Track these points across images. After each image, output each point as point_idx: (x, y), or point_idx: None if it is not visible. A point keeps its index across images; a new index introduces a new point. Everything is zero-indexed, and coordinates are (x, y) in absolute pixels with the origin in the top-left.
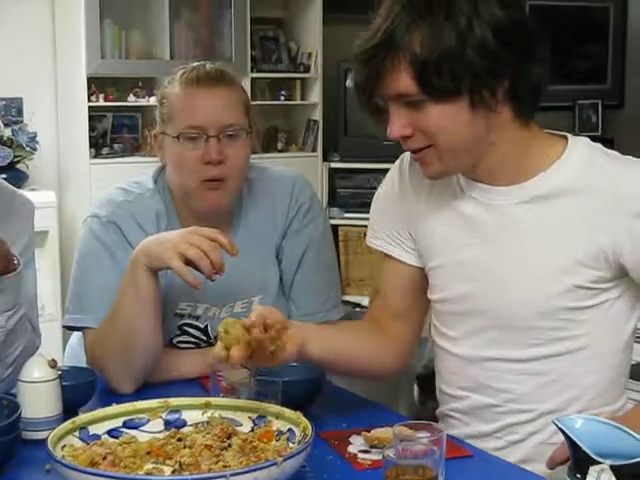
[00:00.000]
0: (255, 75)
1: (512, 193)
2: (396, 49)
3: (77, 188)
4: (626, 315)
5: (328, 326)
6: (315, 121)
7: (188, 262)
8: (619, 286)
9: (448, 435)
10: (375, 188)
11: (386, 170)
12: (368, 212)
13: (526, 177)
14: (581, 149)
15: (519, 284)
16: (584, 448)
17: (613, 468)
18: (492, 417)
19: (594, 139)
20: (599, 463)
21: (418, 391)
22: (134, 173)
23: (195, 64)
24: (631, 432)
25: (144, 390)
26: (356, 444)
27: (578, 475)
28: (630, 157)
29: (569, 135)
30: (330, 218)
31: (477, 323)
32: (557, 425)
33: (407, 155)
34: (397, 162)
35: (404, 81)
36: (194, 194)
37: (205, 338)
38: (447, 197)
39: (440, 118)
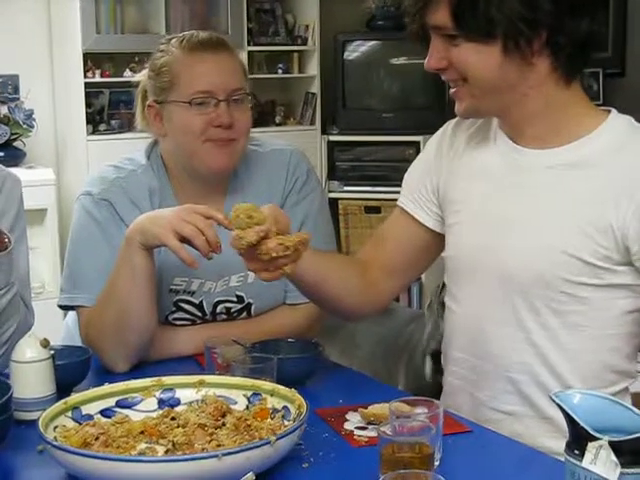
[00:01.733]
0: (252, 48)
1: (537, 157)
2: None
3: (75, 165)
4: (631, 304)
5: (322, 253)
6: (313, 94)
7: (183, 240)
8: (626, 274)
9: (447, 410)
10: (375, 160)
11: (385, 142)
12: (367, 185)
13: (554, 142)
14: (620, 126)
15: (525, 247)
16: (582, 424)
17: (612, 444)
18: (487, 384)
19: None
20: (598, 439)
21: (432, 367)
22: (132, 148)
23: (187, 32)
24: (631, 407)
25: (139, 368)
26: (352, 421)
27: (576, 451)
28: None
29: (614, 111)
30: (330, 192)
31: (482, 282)
32: (554, 400)
33: (452, 122)
34: (440, 130)
35: (442, 14)
36: (201, 156)
37: (200, 314)
38: (479, 152)
39: (471, 57)
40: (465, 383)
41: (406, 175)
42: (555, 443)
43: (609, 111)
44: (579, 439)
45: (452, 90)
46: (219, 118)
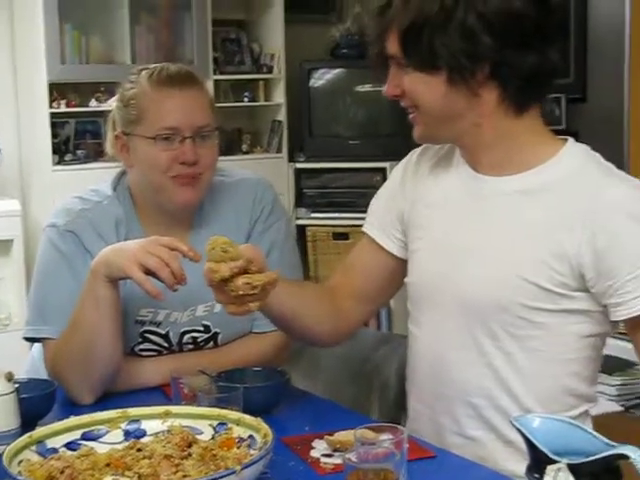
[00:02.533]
0: (218, 77)
1: (494, 184)
2: (394, 13)
3: (41, 195)
4: (588, 329)
5: (292, 284)
6: (280, 122)
7: (148, 272)
8: (582, 299)
9: (412, 436)
10: (342, 187)
11: (352, 169)
12: (335, 212)
13: (510, 170)
14: (575, 154)
15: (483, 273)
16: (541, 447)
17: (570, 467)
18: (449, 409)
19: (559, 132)
20: (556, 462)
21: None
22: (99, 179)
23: (158, 65)
24: (589, 430)
25: (105, 400)
26: (319, 448)
27: (536, 475)
28: (622, 173)
29: (571, 140)
30: (297, 219)
31: (442, 309)
32: (514, 424)
33: (417, 150)
34: (406, 158)
35: (393, 44)
36: (167, 191)
37: (167, 344)
38: (441, 179)
39: (419, 86)
40: (428, 408)
41: (371, 202)
42: (518, 466)
43: (566, 139)
44: (539, 463)
45: (410, 116)
46: (184, 155)
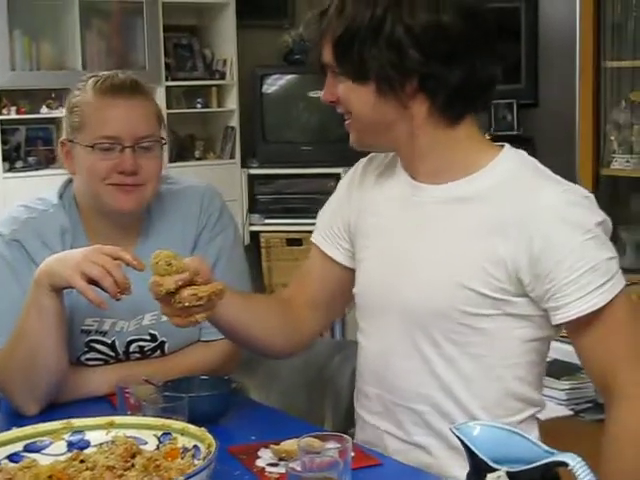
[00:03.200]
0: (170, 83)
1: (431, 192)
2: (328, 21)
3: None
4: (530, 334)
5: (241, 295)
6: (232, 128)
7: (92, 281)
8: (522, 304)
9: (357, 444)
10: (295, 193)
11: (305, 175)
12: (289, 217)
13: (446, 178)
14: (510, 161)
15: (421, 281)
16: (480, 455)
17: (510, 474)
18: (395, 416)
19: (512, 138)
20: (496, 470)
21: None
22: (50, 186)
23: (107, 73)
24: (529, 437)
25: (50, 410)
26: (264, 457)
27: None
28: (557, 177)
29: (507, 146)
30: (251, 225)
31: (386, 317)
32: (454, 432)
33: (363, 160)
34: (352, 168)
35: (327, 52)
36: (105, 197)
37: (113, 354)
38: (385, 188)
39: (350, 94)
40: (374, 416)
41: (319, 213)
42: (463, 472)
43: (503, 146)
44: (479, 470)
45: (345, 122)
46: (122, 164)
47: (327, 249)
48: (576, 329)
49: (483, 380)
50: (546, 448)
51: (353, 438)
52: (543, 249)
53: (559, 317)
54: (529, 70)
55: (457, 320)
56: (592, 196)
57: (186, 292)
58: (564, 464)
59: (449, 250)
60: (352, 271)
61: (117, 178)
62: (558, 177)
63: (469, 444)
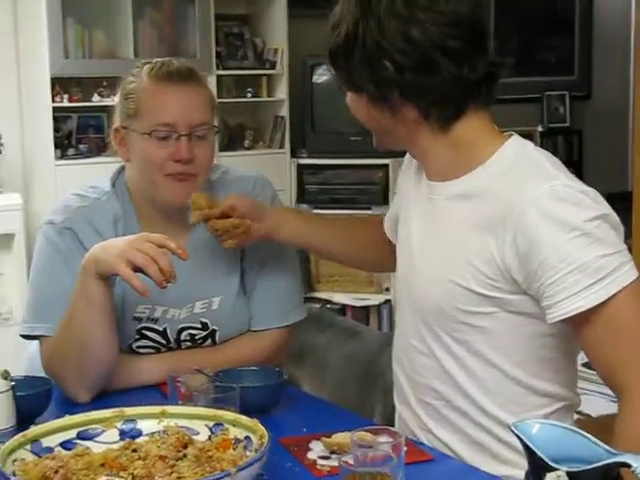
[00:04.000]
0: (221, 72)
1: (439, 190)
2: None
3: (43, 190)
4: (535, 330)
5: (309, 216)
6: (282, 118)
7: (137, 269)
8: (523, 302)
9: (410, 439)
10: (343, 184)
11: (354, 165)
12: (337, 208)
13: (452, 175)
14: (509, 154)
15: (426, 278)
16: (539, 454)
17: (570, 474)
18: (413, 409)
19: (563, 130)
20: (556, 469)
21: None
22: (101, 173)
23: (161, 59)
24: (589, 437)
25: (102, 398)
26: (316, 450)
27: None
28: (554, 171)
29: (513, 137)
30: None
31: (402, 312)
32: (513, 430)
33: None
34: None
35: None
36: (161, 188)
37: (164, 342)
38: (416, 183)
39: (352, 103)
40: (401, 405)
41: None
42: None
43: (510, 135)
44: (537, 469)
45: None
46: (179, 153)
47: (388, 234)
48: (575, 328)
49: (493, 378)
50: (607, 448)
51: None
52: (528, 248)
53: (551, 316)
54: (582, 62)
55: (457, 319)
56: (592, 190)
57: (209, 224)
58: (626, 465)
59: (447, 248)
60: None
61: (173, 167)
62: (558, 171)
63: (528, 442)
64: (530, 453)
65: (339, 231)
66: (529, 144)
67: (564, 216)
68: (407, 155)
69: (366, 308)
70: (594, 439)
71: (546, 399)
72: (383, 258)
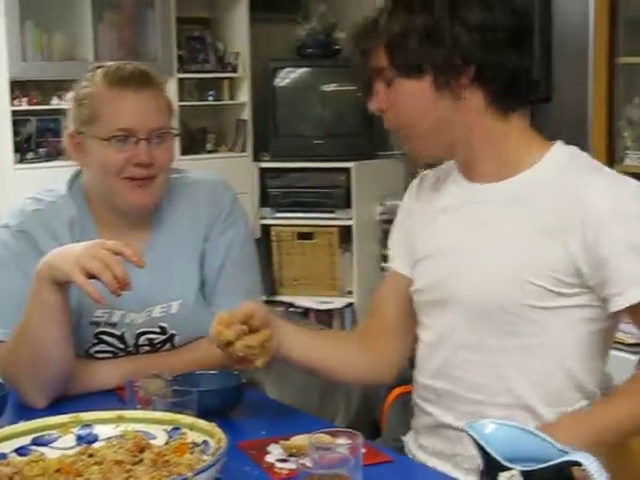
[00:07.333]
0: (182, 75)
1: (487, 191)
2: (381, 26)
3: (2, 194)
4: (589, 325)
5: (308, 332)
6: (244, 121)
7: (92, 276)
8: (580, 295)
9: (368, 441)
10: (306, 187)
11: (317, 169)
12: (300, 212)
13: (502, 176)
14: (561, 156)
15: (481, 276)
16: (492, 454)
17: (523, 473)
18: (450, 405)
19: None
20: (509, 469)
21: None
22: (61, 177)
23: (114, 63)
24: (543, 435)
25: (58, 403)
26: (274, 453)
27: None
28: (609, 170)
29: (559, 142)
30: (262, 218)
31: (443, 311)
32: (466, 431)
33: (415, 180)
34: (407, 192)
35: (380, 55)
36: (120, 191)
37: (122, 346)
38: (441, 194)
39: (406, 94)
40: (427, 403)
41: (389, 241)
42: None
43: (554, 142)
44: (491, 469)
45: (399, 137)
46: (138, 157)
47: (403, 269)
48: (637, 312)
49: (544, 371)
50: (560, 447)
51: (381, 433)
52: (595, 238)
53: (616, 304)
54: (542, 64)
55: (514, 312)
56: None
57: (240, 344)
58: (578, 463)
59: (503, 246)
60: None
61: (132, 171)
62: (610, 170)
63: (481, 442)
64: (484, 453)
65: (343, 336)
66: (574, 148)
67: (630, 206)
68: (412, 185)
69: (329, 311)
70: (548, 438)
71: (580, 394)
72: (409, 321)
